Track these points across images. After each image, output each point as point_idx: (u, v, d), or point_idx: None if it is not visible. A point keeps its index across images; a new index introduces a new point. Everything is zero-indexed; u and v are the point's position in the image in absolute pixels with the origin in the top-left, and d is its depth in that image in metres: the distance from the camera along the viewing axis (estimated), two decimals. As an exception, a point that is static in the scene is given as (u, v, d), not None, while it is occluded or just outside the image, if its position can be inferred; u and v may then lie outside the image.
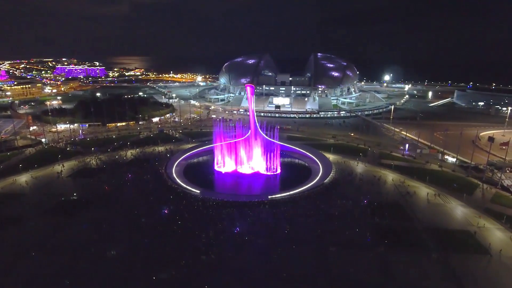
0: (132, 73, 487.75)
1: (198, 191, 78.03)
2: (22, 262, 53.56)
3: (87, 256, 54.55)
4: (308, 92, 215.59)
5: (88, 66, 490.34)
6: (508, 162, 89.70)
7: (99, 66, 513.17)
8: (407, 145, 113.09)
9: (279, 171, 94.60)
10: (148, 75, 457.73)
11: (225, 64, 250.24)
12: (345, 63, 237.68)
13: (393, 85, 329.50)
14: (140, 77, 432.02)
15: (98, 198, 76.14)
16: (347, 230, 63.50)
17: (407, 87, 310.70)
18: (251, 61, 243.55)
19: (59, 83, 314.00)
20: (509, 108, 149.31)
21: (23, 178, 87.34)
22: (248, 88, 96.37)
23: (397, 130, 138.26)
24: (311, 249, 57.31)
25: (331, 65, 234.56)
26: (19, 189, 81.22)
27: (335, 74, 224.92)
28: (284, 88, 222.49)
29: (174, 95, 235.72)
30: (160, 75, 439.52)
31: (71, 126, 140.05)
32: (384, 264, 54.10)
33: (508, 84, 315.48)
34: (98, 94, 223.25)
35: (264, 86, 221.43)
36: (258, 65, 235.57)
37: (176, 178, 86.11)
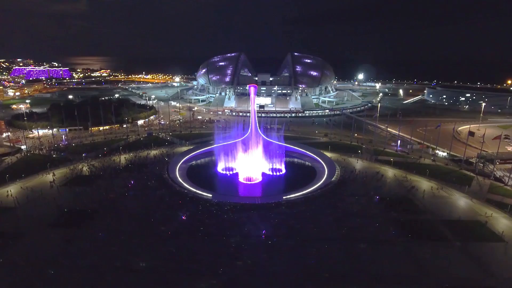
0: (98, 73, 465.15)
1: (210, 195, 75.87)
2: (41, 281, 48.93)
3: (114, 269, 50.99)
4: (289, 91, 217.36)
5: (49, 67, 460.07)
6: (498, 155, 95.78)
7: (58, 67, 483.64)
8: (399, 141, 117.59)
9: (284, 171, 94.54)
10: (117, 75, 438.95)
11: (202, 64, 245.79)
12: (322, 62, 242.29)
13: (364, 84, 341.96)
14: (108, 78, 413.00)
15: (104, 207, 71.53)
16: (369, 226, 64.62)
17: (378, 85, 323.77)
18: (229, 61, 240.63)
19: (20, 85, 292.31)
20: (483, 104, 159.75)
21: (12, 189, 79.95)
22: (252, 88, 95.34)
23: (383, 127, 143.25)
24: (342, 247, 57.67)
25: (310, 65, 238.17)
26: (11, 201, 74.25)
27: (314, 73, 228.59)
28: (265, 88, 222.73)
29: (153, 96, 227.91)
30: (130, 76, 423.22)
31: (50, 131, 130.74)
32: (413, 257, 55.60)
33: (468, 81, 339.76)
34: (70, 97, 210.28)
35: (248, 86, 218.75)
36: (237, 65, 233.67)
37: (182, 182, 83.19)
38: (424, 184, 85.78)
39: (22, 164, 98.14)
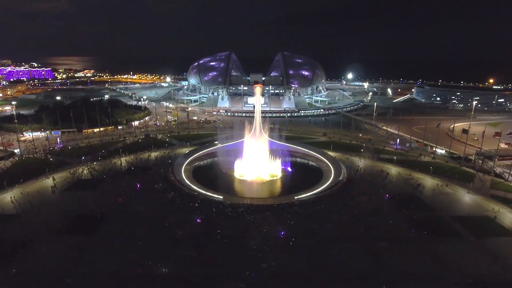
0: (82, 74, 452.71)
1: (221, 197, 74.89)
2: (60, 291, 46.95)
3: (136, 276, 49.38)
4: (281, 91, 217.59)
5: (30, 67, 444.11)
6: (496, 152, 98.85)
7: (38, 67, 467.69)
8: (398, 140, 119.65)
9: (290, 170, 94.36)
10: (102, 76, 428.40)
11: (193, 64, 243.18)
12: (313, 62, 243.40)
13: (352, 83, 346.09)
14: (93, 78, 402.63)
15: (113, 212, 69.48)
16: (384, 224, 65.22)
17: (366, 84, 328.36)
18: (220, 61, 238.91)
19: (1, 86, 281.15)
20: (474, 102, 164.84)
21: (12, 195, 76.41)
22: (258, 88, 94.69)
23: (383, 126, 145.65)
24: (362, 246, 57.89)
25: (301, 64, 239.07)
26: (13, 208, 71.04)
27: (306, 72, 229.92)
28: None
29: (145, 96, 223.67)
30: (116, 76, 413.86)
31: (42, 134, 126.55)
32: (433, 253, 56.25)
33: (450, 80, 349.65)
34: (58, 98, 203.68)
35: (242, 86, 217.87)
36: (228, 65, 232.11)
37: (190, 184, 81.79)
38: (429, 182, 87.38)
39: (18, 169, 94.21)
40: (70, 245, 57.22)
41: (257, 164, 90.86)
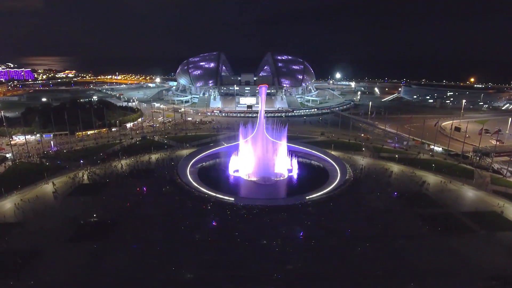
0: (63, 74, 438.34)
1: (232, 199, 73.98)
2: (83, 301, 45.02)
3: (161, 283, 47.95)
4: (273, 91, 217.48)
5: (9, 68, 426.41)
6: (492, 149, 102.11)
7: (15, 67, 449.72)
8: (396, 138, 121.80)
9: (296, 170, 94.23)
10: (85, 76, 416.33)
11: (182, 64, 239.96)
12: (302, 62, 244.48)
13: (339, 83, 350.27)
14: (76, 79, 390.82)
15: (123, 217, 67.37)
16: (398, 222, 66.22)
17: (353, 84, 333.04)
18: (211, 61, 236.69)
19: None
20: (463, 100, 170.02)
21: (13, 202, 72.91)
22: (263, 88, 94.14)
23: (381, 125, 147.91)
24: (382, 244, 58.31)
25: (291, 64, 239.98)
26: (15, 216, 67.74)
27: (297, 72, 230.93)
28: (249, 88, 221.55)
29: (135, 97, 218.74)
30: (99, 77, 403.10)
31: (33, 137, 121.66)
32: (450, 250, 57.26)
33: (433, 79, 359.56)
34: (44, 99, 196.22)
35: (235, 86, 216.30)
36: (218, 65, 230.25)
37: (199, 187, 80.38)
38: (432, 179, 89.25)
39: (13, 174, 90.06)
40: (85, 253, 54.97)
41: (262, 164, 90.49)
